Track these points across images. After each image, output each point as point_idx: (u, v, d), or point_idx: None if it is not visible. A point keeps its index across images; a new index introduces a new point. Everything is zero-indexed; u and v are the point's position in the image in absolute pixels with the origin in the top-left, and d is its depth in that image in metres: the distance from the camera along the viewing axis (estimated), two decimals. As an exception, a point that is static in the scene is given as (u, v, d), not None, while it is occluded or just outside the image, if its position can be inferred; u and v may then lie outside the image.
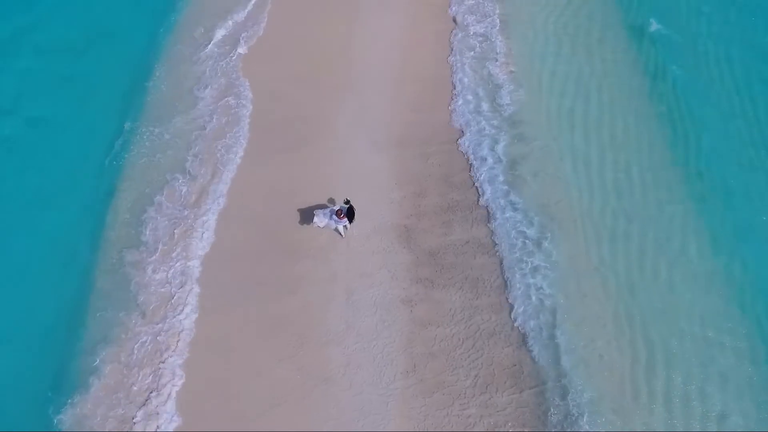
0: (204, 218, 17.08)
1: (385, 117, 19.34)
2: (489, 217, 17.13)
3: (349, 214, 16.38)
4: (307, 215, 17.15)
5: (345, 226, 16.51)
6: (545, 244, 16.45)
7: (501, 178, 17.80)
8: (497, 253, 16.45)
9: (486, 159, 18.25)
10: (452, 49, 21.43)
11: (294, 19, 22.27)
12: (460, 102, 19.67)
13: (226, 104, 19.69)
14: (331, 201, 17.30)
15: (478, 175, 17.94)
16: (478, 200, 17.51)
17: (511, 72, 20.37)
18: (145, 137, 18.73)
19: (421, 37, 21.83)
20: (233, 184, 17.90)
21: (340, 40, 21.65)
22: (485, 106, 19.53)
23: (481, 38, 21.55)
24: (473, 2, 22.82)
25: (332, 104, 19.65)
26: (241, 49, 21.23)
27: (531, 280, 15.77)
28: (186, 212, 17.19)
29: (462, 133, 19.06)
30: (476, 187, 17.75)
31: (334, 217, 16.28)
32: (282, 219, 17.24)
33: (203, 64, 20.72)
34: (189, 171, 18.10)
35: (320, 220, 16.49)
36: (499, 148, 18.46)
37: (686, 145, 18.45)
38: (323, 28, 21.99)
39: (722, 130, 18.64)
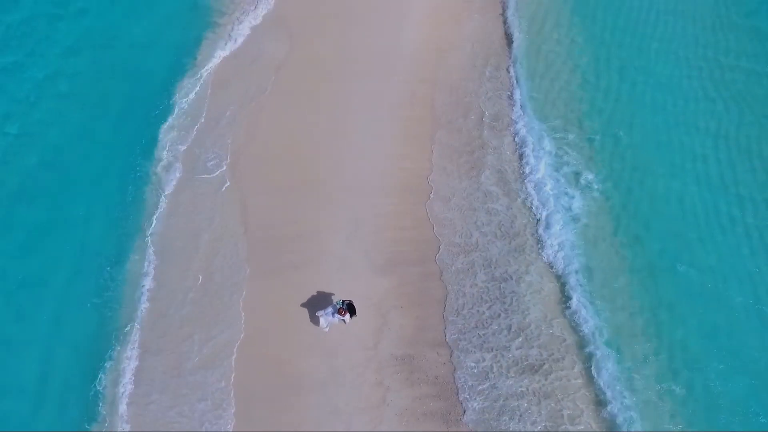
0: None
1: (384, 233, 18.86)
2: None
3: (350, 309, 16.58)
4: (306, 344, 16.78)
5: (344, 320, 16.71)
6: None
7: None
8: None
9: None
10: (449, 161, 21.01)
11: (280, 127, 21.63)
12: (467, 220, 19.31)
13: (218, 225, 19.08)
14: (328, 300, 17.24)
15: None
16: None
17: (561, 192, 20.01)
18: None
19: (415, 143, 21.34)
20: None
21: (329, 149, 20.98)
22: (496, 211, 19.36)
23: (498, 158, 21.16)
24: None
25: (325, 220, 19.11)
26: (225, 163, 20.52)
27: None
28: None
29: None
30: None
31: (337, 315, 16.55)
32: (283, 348, 16.79)
33: (193, 191, 20.01)
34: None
35: (325, 321, 16.70)
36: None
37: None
38: (309, 137, 21.27)
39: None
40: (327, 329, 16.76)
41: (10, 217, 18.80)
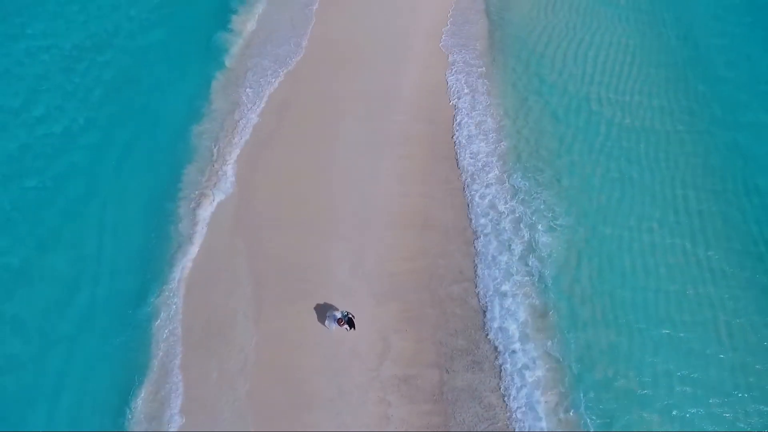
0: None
1: (385, 264, 20.81)
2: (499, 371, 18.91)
3: (349, 323, 18.77)
4: (316, 365, 18.76)
5: (346, 329, 18.94)
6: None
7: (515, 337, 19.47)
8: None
9: (497, 318, 19.83)
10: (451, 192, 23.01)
11: (288, 165, 23.58)
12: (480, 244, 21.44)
13: (233, 258, 20.97)
14: (334, 308, 19.54)
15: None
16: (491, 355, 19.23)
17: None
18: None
19: (414, 179, 23.32)
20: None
21: (333, 185, 22.96)
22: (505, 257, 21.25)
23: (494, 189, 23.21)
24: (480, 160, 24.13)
25: (330, 253, 21.05)
26: (238, 202, 22.44)
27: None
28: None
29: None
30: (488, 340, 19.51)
31: (336, 323, 18.77)
32: (295, 370, 18.70)
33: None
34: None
35: (329, 323, 19.07)
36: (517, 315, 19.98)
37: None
38: (315, 175, 23.27)
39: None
40: (332, 330, 19.01)
41: (38, 259, 20.55)
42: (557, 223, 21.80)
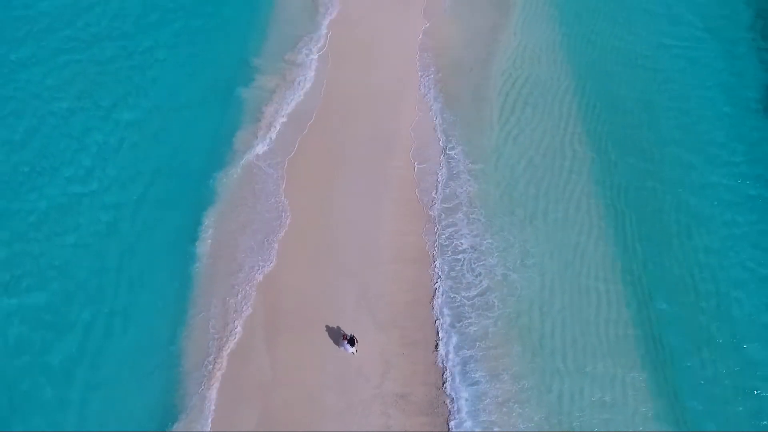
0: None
1: (386, 297, 24.03)
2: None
3: (350, 341, 21.95)
4: (327, 385, 22.01)
5: (352, 351, 22.16)
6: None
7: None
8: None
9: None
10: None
11: (294, 201, 26.58)
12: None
13: (253, 291, 24.20)
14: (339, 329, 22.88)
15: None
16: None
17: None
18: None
19: (411, 220, 26.53)
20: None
21: (339, 225, 25.98)
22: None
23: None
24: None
25: (338, 286, 24.22)
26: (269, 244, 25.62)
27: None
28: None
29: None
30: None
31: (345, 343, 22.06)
32: (310, 388, 21.86)
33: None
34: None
35: (344, 346, 22.28)
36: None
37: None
38: (321, 210, 26.34)
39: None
40: (346, 350, 22.26)
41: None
42: (526, 262, 25.16)
